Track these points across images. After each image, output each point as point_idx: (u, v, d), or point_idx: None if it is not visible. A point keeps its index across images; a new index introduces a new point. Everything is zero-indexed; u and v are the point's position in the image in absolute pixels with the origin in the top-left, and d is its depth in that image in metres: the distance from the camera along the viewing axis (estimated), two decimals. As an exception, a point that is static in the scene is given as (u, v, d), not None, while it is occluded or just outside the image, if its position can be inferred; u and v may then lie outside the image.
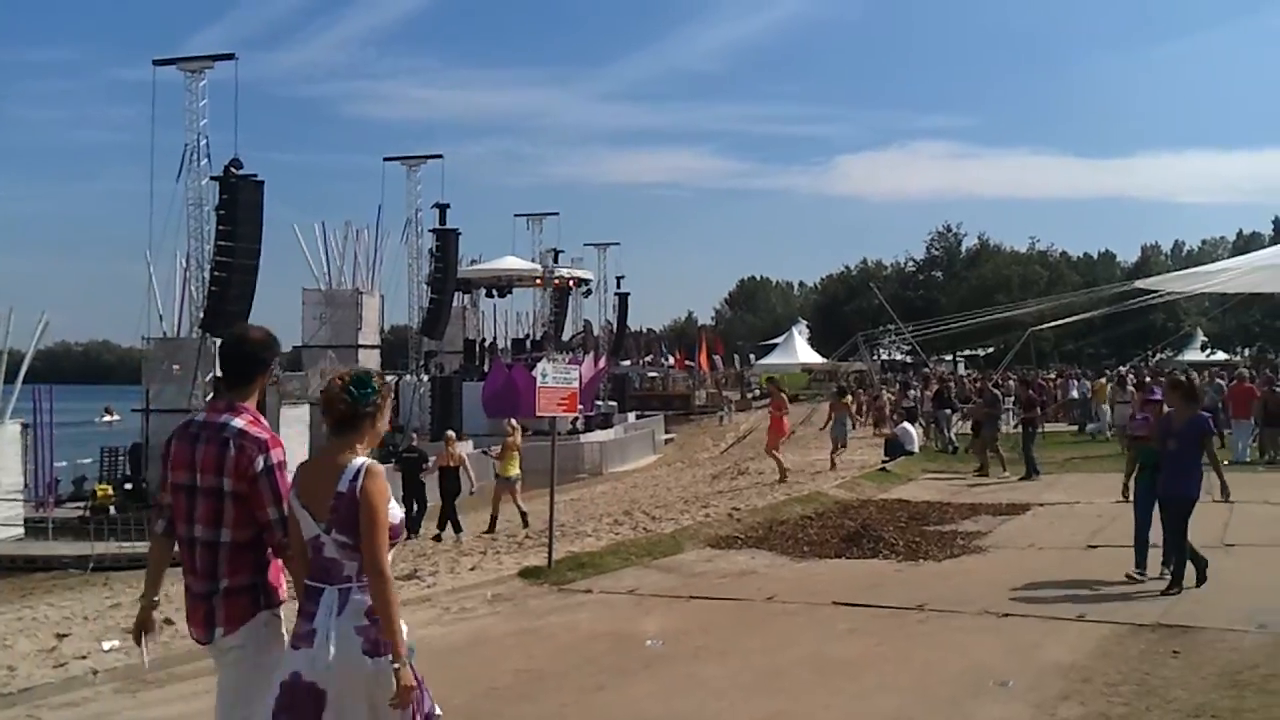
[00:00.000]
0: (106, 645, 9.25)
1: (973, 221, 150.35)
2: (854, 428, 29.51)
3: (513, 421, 21.14)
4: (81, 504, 30.00)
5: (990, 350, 78.98)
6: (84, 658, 8.85)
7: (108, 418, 59.68)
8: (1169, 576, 9.76)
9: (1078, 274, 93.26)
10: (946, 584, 10.72)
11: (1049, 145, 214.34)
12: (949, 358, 78.93)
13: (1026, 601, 9.54)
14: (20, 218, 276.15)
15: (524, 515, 19.00)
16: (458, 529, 19.37)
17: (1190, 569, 9.77)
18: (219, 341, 5.45)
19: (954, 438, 27.83)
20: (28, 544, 27.15)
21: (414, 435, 26.52)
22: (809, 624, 9.20)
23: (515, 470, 19.59)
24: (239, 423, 4.29)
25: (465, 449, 39.73)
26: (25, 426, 30.80)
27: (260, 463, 4.22)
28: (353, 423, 4.13)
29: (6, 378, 29.70)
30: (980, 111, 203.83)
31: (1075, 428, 33.27)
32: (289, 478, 4.21)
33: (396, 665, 3.84)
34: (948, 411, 28.51)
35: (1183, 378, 11.83)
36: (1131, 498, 10.50)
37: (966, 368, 75.77)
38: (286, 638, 4.15)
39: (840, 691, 7.27)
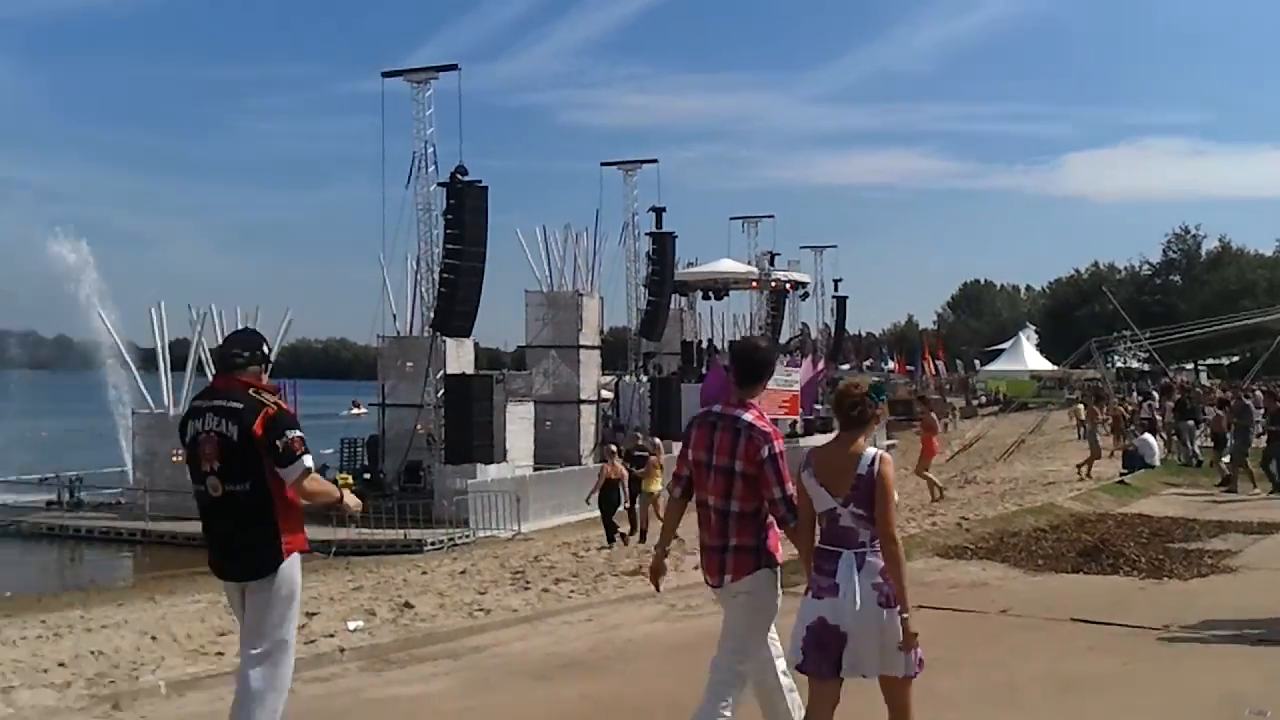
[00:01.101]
0: (352, 625, 9.72)
1: (1212, 223, 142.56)
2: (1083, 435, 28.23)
3: (656, 441, 21.64)
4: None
5: (1235, 359, 74.44)
6: (331, 636, 9.32)
7: (355, 410, 62.42)
8: None
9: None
10: (1194, 605, 10.13)
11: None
12: (1189, 366, 74.69)
13: (1285, 626, 8.93)
14: (262, 224, 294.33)
15: (642, 532, 19.41)
16: (610, 540, 19.63)
17: None
18: (731, 347, 5.97)
19: (1198, 451, 26.39)
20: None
21: (638, 434, 26.86)
22: (1046, 640, 8.85)
23: (657, 486, 19.89)
24: (749, 417, 5.29)
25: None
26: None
27: (765, 451, 5.17)
28: (863, 420, 5.06)
29: (255, 372, 31.53)
30: (1217, 106, 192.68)
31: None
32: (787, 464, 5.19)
33: (906, 615, 4.81)
34: (1190, 423, 27.04)
35: None
36: None
37: (1209, 377, 71.68)
38: (780, 593, 5.34)
39: (1083, 712, 6.95)
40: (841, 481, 4.91)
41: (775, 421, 12.68)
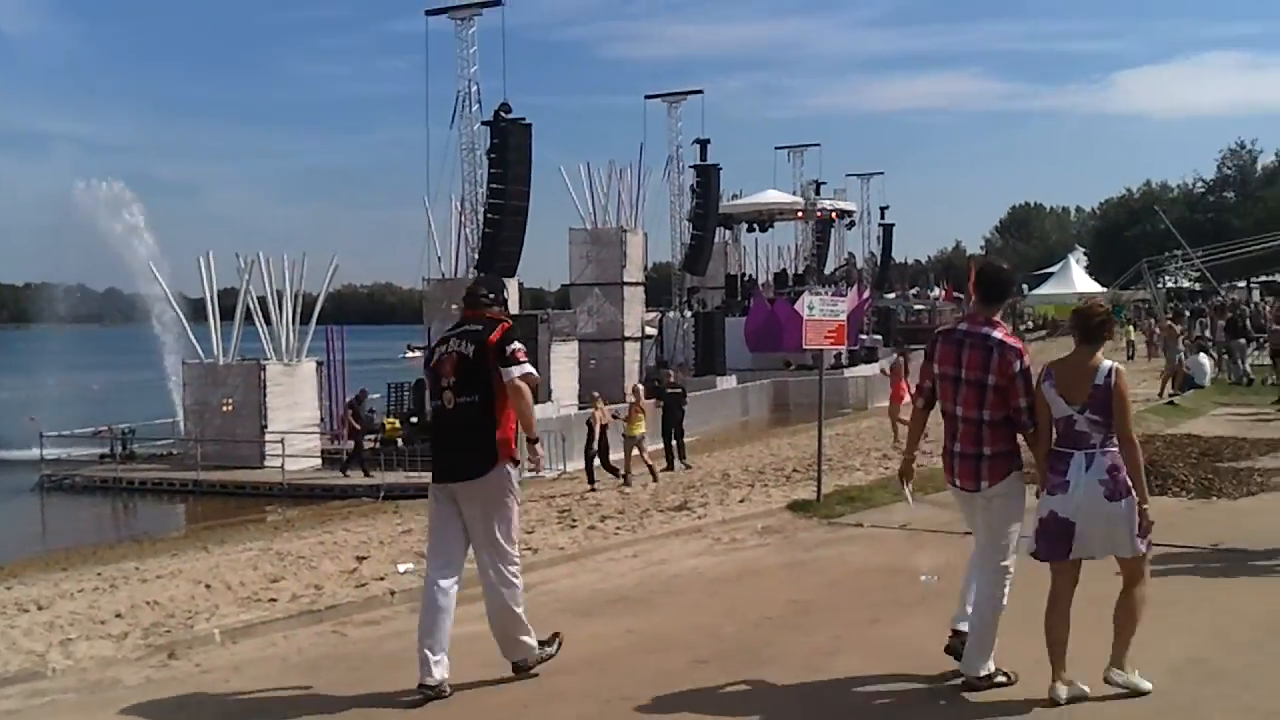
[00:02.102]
0: (402, 568, 9.85)
1: (1269, 137, 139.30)
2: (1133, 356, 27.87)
3: (637, 386, 21.54)
4: (372, 436, 31.98)
5: (1290, 276, 73.20)
6: (381, 579, 9.46)
7: (410, 354, 62.69)
8: None
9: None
10: (1243, 524, 10.06)
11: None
12: (1242, 284, 73.41)
13: (1336, 544, 8.84)
14: (307, 169, 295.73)
15: (653, 470, 18.97)
16: (591, 480, 19.54)
17: None
18: (977, 268, 6.18)
19: (1249, 369, 26.03)
20: (324, 473, 29.20)
21: (671, 372, 26.86)
22: (1092, 563, 8.81)
23: (640, 429, 19.68)
24: (999, 335, 5.85)
25: (729, 382, 40.05)
26: (319, 364, 32.94)
27: (1017, 365, 5.76)
28: (1100, 335, 5.69)
29: (301, 319, 31.79)
30: (1272, 17, 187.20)
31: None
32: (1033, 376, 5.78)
33: (1145, 505, 5.53)
34: (1242, 341, 26.65)
35: None
36: None
37: (1263, 295, 70.50)
38: (1028, 490, 5.87)
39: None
40: (1079, 390, 5.55)
41: (820, 352, 12.70)
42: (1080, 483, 5.51)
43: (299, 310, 31.61)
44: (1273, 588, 7.83)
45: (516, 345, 6.20)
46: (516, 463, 6.34)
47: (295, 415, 30.52)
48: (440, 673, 6.12)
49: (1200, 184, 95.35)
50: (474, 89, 33.06)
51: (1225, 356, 27.39)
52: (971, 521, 6.27)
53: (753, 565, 9.53)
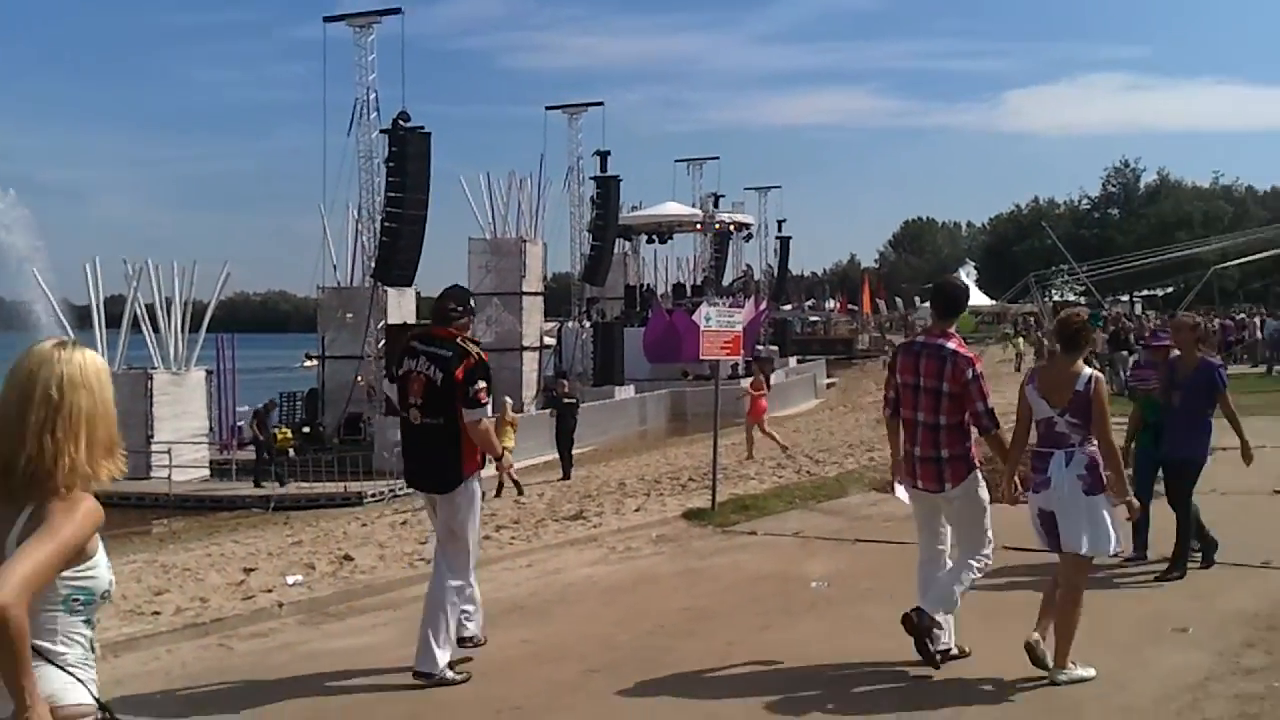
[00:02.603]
0: (290, 580, 9.67)
1: (1151, 156, 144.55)
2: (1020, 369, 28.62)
3: (507, 399, 21.41)
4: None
5: (1170, 290, 75.74)
6: (269, 591, 9.28)
7: (308, 363, 61.47)
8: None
9: (1264, 209, 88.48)
10: (1126, 528, 10.33)
11: (1231, 73, 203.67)
12: (1125, 298, 75.74)
13: (1210, 547, 9.13)
14: (204, 176, 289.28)
15: (518, 485, 18.30)
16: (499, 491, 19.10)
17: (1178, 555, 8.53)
18: (933, 286, 6.55)
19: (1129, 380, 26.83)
20: (213, 484, 28.56)
21: (564, 382, 26.87)
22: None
23: (510, 443, 19.27)
24: (952, 345, 6.35)
25: (628, 392, 39.95)
26: (209, 373, 32.24)
27: (969, 373, 6.24)
28: (1079, 343, 6.21)
29: (191, 327, 31.09)
30: (1156, 40, 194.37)
31: (1263, 368, 31.94)
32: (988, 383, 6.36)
33: (1128, 499, 6.22)
34: (1124, 353, 27.49)
35: (1195, 318, 10.44)
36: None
37: (1144, 308, 72.81)
38: (985, 490, 6.42)
39: (1012, 635, 7.08)
40: (1060, 394, 6.04)
41: (716, 363, 12.78)
42: (1061, 478, 6.01)
43: (189, 318, 30.91)
44: (1148, 591, 8.08)
45: (480, 385, 6.52)
46: (484, 466, 6.89)
47: (183, 425, 29.77)
48: (474, 628, 7.03)
49: (1086, 201, 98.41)
50: (372, 97, 32.67)
51: (1108, 368, 28.20)
52: (928, 522, 6.65)
53: (647, 573, 9.55)
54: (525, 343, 40.20)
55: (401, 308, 33.02)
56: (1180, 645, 6.74)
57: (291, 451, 29.20)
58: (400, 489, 26.68)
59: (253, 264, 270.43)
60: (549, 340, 45.29)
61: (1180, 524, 8.45)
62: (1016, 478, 6.31)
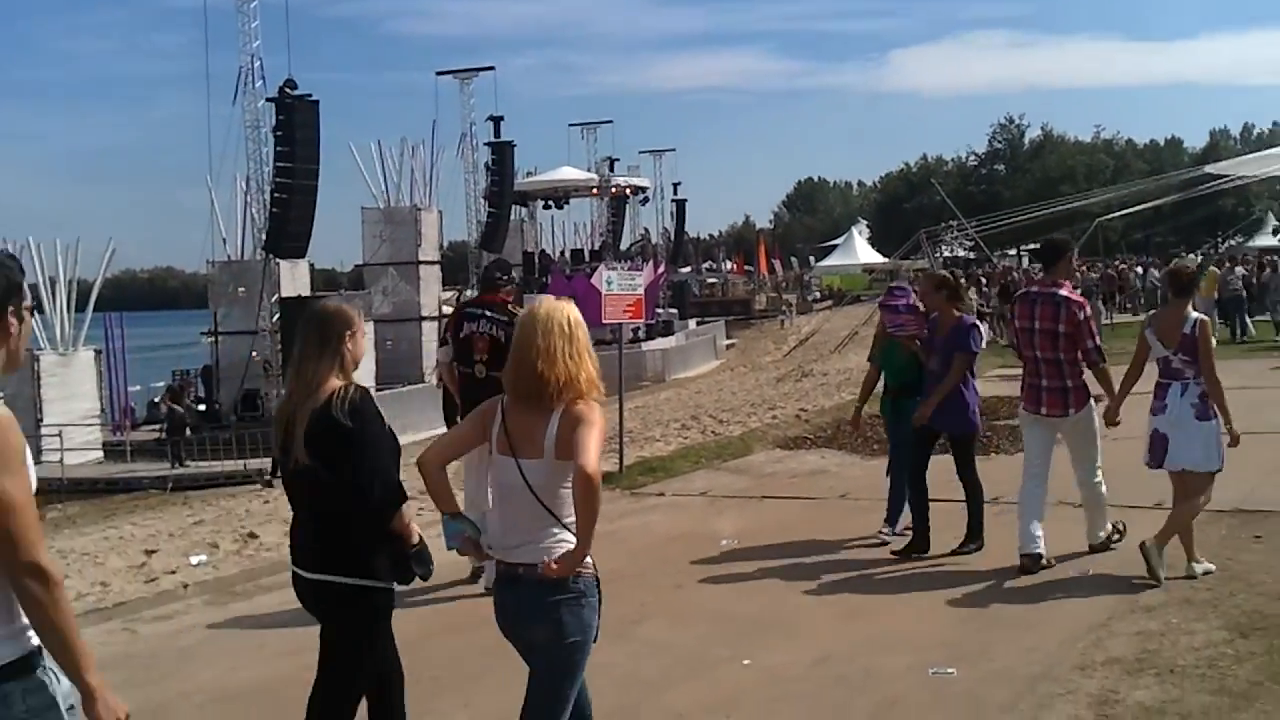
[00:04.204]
0: (194, 560, 9.49)
1: (1035, 112, 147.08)
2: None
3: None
4: (157, 426, 30.65)
5: (1055, 243, 77.48)
6: (173, 572, 9.09)
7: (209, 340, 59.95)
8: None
9: (1144, 162, 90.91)
10: (1020, 476, 10.63)
11: (1109, 30, 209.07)
12: (1013, 252, 77.40)
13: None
14: (83, 150, 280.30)
15: None
16: None
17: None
18: (1040, 243, 7.25)
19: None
20: (107, 466, 27.86)
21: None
22: (883, 520, 9.19)
23: None
24: (1064, 292, 7.52)
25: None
26: (98, 353, 31.39)
27: (1081, 315, 7.42)
28: (1189, 289, 7.31)
29: (77, 306, 30.22)
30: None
31: (1143, 317, 32.94)
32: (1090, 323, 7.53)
33: (1230, 426, 7.04)
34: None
35: (947, 274, 8.98)
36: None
37: (1031, 261, 74.56)
38: (1098, 416, 7.61)
39: (918, 583, 7.29)
40: (1172, 336, 7.01)
41: (620, 326, 12.77)
42: (1175, 405, 6.95)
43: (74, 298, 30.03)
44: (1049, 535, 8.30)
45: None
46: None
47: (73, 407, 28.96)
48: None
49: (973, 158, 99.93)
50: (257, 64, 31.84)
51: (1000, 321, 28.88)
52: (1044, 445, 7.70)
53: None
54: (424, 313, 39.82)
55: (295, 280, 32.41)
56: (1088, 586, 6.99)
57: (187, 430, 28.62)
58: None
59: (139, 240, 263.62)
60: (447, 309, 44.90)
61: (970, 494, 8.20)
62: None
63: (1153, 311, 7.64)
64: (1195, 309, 7.22)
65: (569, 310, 3.86)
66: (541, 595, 3.70)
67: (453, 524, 3.85)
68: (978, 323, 8.64)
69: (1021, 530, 7.43)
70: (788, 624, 6.74)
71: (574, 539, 3.67)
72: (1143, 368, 7.31)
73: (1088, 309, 7.53)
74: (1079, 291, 8.26)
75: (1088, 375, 7.54)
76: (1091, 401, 7.55)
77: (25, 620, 2.70)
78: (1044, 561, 7.37)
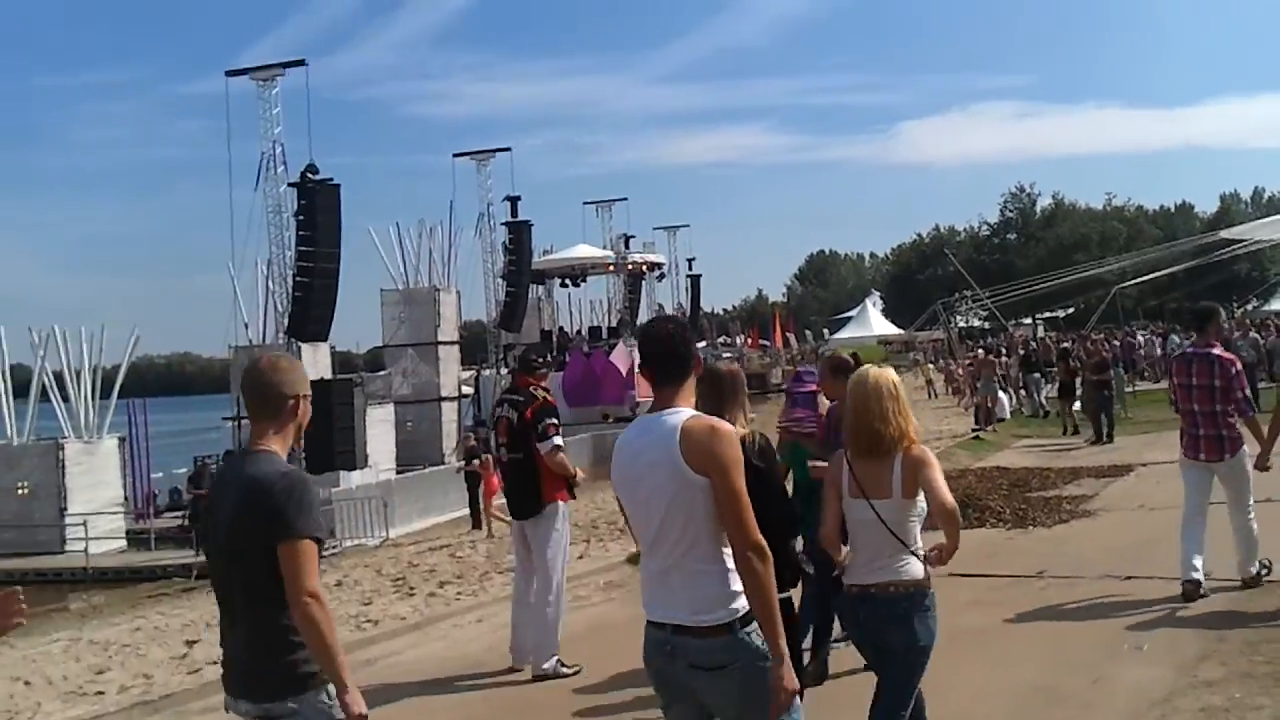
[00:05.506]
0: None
1: (1045, 181, 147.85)
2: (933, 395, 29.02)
3: (487, 456, 21.44)
4: (179, 513, 30.63)
5: (1070, 311, 77.62)
6: (215, 663, 9.02)
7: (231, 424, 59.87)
8: None
9: (1156, 227, 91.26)
10: (1062, 550, 10.58)
11: (1114, 97, 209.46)
12: (1028, 321, 77.38)
13: (1147, 563, 9.32)
14: (102, 238, 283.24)
15: (490, 526, 19.36)
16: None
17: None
18: (1191, 312, 9.14)
19: (1044, 401, 27.45)
20: (131, 555, 27.76)
21: (471, 435, 26.67)
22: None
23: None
24: (1217, 351, 8.31)
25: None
26: (122, 440, 31.46)
27: (1233, 370, 8.17)
28: None
29: (102, 393, 30.34)
30: (1040, 68, 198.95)
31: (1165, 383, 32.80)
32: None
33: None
34: (1037, 375, 28.12)
35: (846, 356, 7.58)
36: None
37: (1046, 330, 74.47)
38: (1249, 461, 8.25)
39: (974, 660, 7.19)
40: None
41: (636, 404, 12.81)
42: None
43: (98, 385, 30.17)
44: (1098, 610, 8.23)
45: (549, 421, 7.77)
46: (573, 494, 8.22)
47: (97, 495, 28.96)
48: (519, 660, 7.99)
49: (985, 227, 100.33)
50: (279, 150, 32.27)
51: (1023, 391, 28.84)
52: (1201, 489, 8.34)
53: (599, 621, 9.50)
54: (443, 393, 39.89)
55: (317, 363, 32.52)
56: (1139, 662, 6.90)
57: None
58: (328, 549, 26.26)
59: (156, 326, 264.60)
60: (466, 389, 44.98)
61: None
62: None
63: None
64: None
65: (891, 375, 4.67)
66: (896, 608, 4.51)
67: None
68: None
69: (1183, 561, 8.13)
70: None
71: (917, 560, 4.55)
72: None
73: (1238, 364, 8.32)
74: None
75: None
76: (1245, 448, 8.22)
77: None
78: (1202, 591, 8.03)
